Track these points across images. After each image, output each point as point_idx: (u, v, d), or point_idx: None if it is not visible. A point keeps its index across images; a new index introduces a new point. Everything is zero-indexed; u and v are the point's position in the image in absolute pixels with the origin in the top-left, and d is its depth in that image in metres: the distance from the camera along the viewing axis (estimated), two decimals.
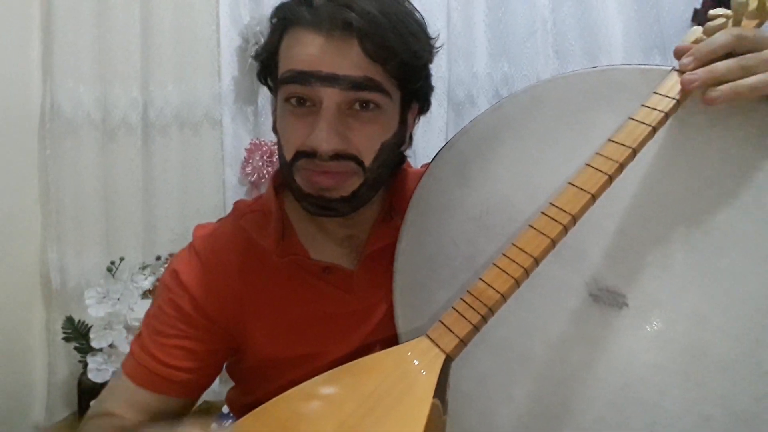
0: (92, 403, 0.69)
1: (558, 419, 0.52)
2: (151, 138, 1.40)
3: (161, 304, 0.68)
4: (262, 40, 0.68)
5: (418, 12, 0.64)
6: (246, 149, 1.41)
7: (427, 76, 0.66)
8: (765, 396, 0.45)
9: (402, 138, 0.66)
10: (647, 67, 0.53)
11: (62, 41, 1.32)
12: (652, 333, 0.49)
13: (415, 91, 0.65)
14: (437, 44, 0.66)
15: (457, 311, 0.51)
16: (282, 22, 0.62)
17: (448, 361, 0.50)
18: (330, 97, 0.57)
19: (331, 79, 0.56)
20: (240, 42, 1.40)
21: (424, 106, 0.69)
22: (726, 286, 0.47)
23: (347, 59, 0.57)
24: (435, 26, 1.35)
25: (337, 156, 0.58)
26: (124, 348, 1.22)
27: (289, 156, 0.61)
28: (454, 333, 0.50)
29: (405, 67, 0.60)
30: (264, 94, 1.40)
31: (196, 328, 0.66)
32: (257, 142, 1.41)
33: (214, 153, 1.43)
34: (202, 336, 0.66)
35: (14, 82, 1.32)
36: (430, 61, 0.65)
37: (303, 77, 0.57)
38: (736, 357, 0.46)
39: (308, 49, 0.58)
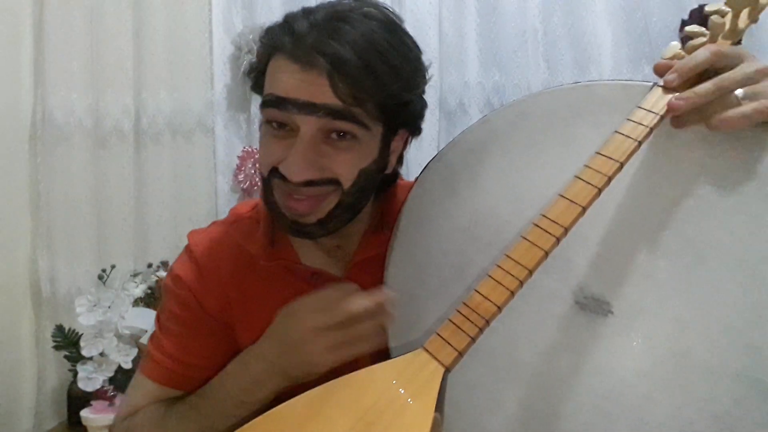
0: (120, 405, 0.74)
1: (546, 426, 0.53)
2: (143, 145, 1.40)
3: (170, 306, 0.71)
4: (255, 49, 0.70)
5: (409, 38, 0.64)
6: (238, 157, 1.41)
7: (413, 106, 0.65)
8: (744, 399, 0.46)
9: (383, 164, 0.65)
10: (629, 82, 0.55)
11: (54, 48, 1.32)
12: (636, 340, 0.51)
13: (399, 122, 0.64)
14: (422, 56, 0.65)
15: (454, 324, 0.51)
16: (267, 48, 0.62)
17: (447, 373, 0.51)
18: (307, 124, 0.58)
19: (308, 107, 0.57)
20: (232, 50, 1.40)
21: (415, 131, 0.69)
22: (707, 293, 0.49)
23: (324, 93, 0.57)
24: (427, 36, 1.37)
25: (311, 183, 0.59)
26: (115, 356, 1.22)
27: (265, 172, 0.62)
28: (452, 346, 0.51)
29: (382, 107, 0.60)
30: (256, 102, 1.40)
31: (206, 324, 0.69)
32: (249, 149, 1.41)
33: (206, 160, 1.43)
34: (211, 332, 0.69)
35: (5, 90, 1.32)
36: (418, 93, 0.65)
37: (281, 103, 0.58)
38: (716, 361, 0.48)
39: (287, 79, 0.58)
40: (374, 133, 0.61)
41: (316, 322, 0.57)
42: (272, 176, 0.61)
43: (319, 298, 0.58)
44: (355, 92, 0.57)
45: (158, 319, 0.72)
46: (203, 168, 1.43)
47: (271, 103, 0.60)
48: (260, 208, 0.72)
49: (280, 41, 0.60)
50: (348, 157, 0.60)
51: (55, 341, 1.29)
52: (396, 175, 0.73)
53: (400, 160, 0.70)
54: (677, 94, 0.50)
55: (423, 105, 0.67)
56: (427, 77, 0.66)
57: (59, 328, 1.29)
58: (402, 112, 0.63)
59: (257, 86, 0.66)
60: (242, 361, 0.64)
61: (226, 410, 0.63)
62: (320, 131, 0.59)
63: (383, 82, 0.58)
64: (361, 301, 0.57)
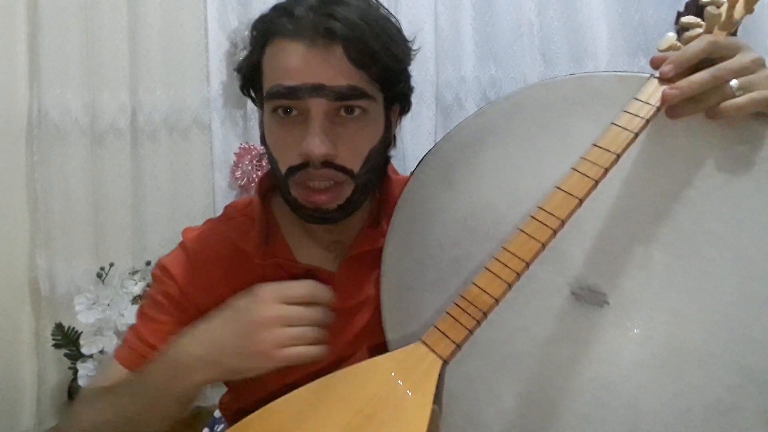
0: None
1: (543, 417, 0.53)
2: (140, 143, 1.40)
3: (153, 294, 0.70)
4: None
5: (393, 17, 0.65)
6: (235, 153, 1.41)
7: (407, 77, 0.68)
8: (738, 387, 0.47)
9: (388, 141, 0.67)
10: (624, 74, 0.55)
11: (49, 47, 1.32)
12: (632, 330, 0.51)
13: (396, 93, 0.66)
14: (416, 47, 0.67)
15: (451, 316, 0.52)
16: (263, 34, 0.62)
17: (445, 366, 0.51)
18: (317, 106, 0.59)
19: (317, 90, 0.58)
20: (228, 46, 1.40)
21: (406, 107, 0.70)
22: (701, 283, 0.49)
23: (332, 68, 0.58)
24: (422, 30, 1.37)
25: (327, 164, 0.60)
26: None
27: (283, 170, 0.62)
28: (450, 338, 0.51)
29: (387, 71, 0.61)
30: None
31: (187, 314, 0.67)
32: (246, 146, 1.41)
33: (203, 157, 1.44)
34: (192, 323, 0.65)
35: (1, 89, 1.32)
36: (409, 63, 0.67)
37: (291, 92, 0.58)
38: (711, 350, 0.48)
39: (293, 61, 0.58)
40: (378, 103, 0.63)
41: (278, 311, 0.55)
42: (290, 175, 0.62)
43: (286, 288, 0.57)
44: (366, 56, 0.58)
45: (141, 307, 0.72)
46: (200, 165, 1.44)
47: (278, 94, 0.59)
48: (254, 205, 0.71)
49: (278, 24, 0.60)
50: (358, 138, 0.61)
51: (54, 339, 1.29)
52: (387, 160, 0.73)
53: (394, 140, 0.70)
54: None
55: (411, 84, 0.69)
56: (413, 51, 0.67)
57: (59, 327, 1.29)
58: (400, 80, 0.65)
59: (250, 81, 0.66)
60: (179, 341, 0.59)
61: (149, 397, 0.59)
62: (330, 110, 0.60)
63: (386, 43, 0.60)
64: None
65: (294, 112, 0.60)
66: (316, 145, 0.58)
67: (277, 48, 0.60)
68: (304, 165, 0.60)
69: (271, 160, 0.65)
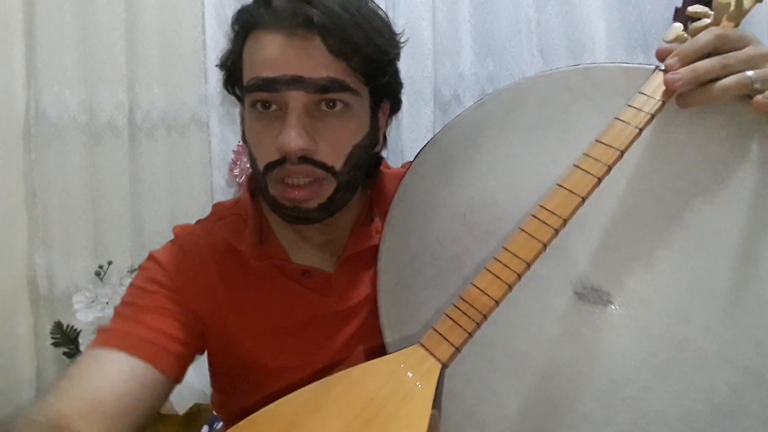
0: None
1: (545, 417, 0.53)
2: (138, 141, 1.39)
3: (139, 283, 0.65)
4: None
5: (382, 10, 0.64)
6: (233, 151, 1.41)
7: (395, 72, 0.66)
8: (743, 389, 0.46)
9: (375, 139, 0.65)
10: (630, 66, 0.53)
11: (46, 45, 1.31)
12: (636, 330, 0.50)
13: (383, 88, 0.64)
14: (413, 44, 0.66)
15: (451, 319, 0.51)
16: (243, 27, 0.61)
17: (444, 369, 0.51)
18: (296, 99, 0.57)
19: (296, 82, 0.56)
20: (226, 44, 1.39)
21: (396, 105, 0.68)
22: (708, 283, 0.48)
23: (311, 59, 0.56)
24: (420, 27, 1.36)
25: (305, 159, 0.58)
26: None
27: (261, 166, 0.61)
28: (449, 341, 0.50)
29: (370, 63, 0.59)
30: None
31: (173, 302, 0.63)
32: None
33: (201, 155, 1.43)
34: (177, 310, 0.63)
35: None
36: (397, 57, 0.65)
37: (268, 84, 0.57)
38: (716, 351, 0.47)
39: (271, 52, 0.57)
40: (363, 97, 0.61)
41: None
42: (268, 170, 0.60)
43: None
44: (345, 45, 0.56)
45: (122, 300, 0.65)
46: (198, 163, 1.43)
47: (256, 86, 0.58)
48: (244, 204, 0.69)
49: (256, 16, 0.58)
50: (340, 134, 0.59)
51: (53, 338, 1.29)
52: (380, 160, 0.72)
53: (384, 140, 0.68)
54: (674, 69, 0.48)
55: (400, 80, 0.68)
56: (400, 44, 0.65)
57: (58, 325, 1.29)
58: (384, 72, 0.62)
59: (232, 77, 0.64)
60: None
61: None
62: (310, 103, 0.58)
63: (368, 33, 0.58)
64: None
65: (273, 107, 0.58)
66: (292, 139, 0.56)
67: (255, 40, 0.59)
68: (282, 161, 0.58)
69: (251, 158, 0.63)
